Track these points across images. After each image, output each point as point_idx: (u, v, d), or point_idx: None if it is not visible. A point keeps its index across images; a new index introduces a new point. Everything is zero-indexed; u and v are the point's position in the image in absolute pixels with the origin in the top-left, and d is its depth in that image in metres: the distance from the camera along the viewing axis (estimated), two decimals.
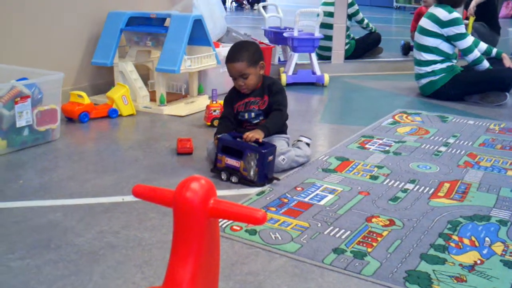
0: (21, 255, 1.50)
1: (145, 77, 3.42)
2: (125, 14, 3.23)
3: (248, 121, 2.29)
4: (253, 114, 2.27)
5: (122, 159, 2.32)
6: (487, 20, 5.15)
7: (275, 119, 2.22)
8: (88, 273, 1.41)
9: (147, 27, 3.26)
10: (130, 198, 1.89)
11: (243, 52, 2.19)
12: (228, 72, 2.24)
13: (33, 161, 2.27)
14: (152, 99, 3.22)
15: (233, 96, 2.30)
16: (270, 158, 2.05)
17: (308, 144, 2.37)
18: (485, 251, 1.57)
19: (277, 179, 2.07)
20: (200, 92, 3.42)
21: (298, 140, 2.38)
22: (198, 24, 3.17)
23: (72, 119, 2.86)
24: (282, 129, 2.33)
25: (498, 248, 1.59)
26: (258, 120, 2.27)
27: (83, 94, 2.88)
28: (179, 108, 3.15)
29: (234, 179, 2.07)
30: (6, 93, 2.31)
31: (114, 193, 1.94)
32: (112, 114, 2.96)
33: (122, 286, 1.36)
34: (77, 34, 3.24)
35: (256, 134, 2.08)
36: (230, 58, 2.21)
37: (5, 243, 1.57)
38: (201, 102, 3.27)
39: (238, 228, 1.67)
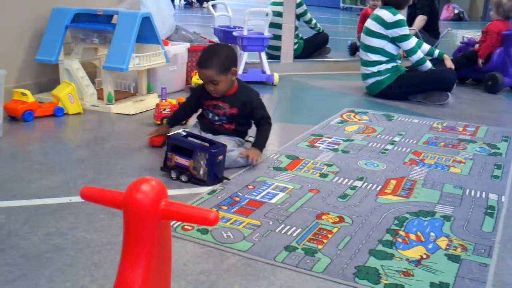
0: None
1: (92, 75, 3.34)
2: (70, 10, 3.14)
3: (211, 120, 2.32)
4: (216, 118, 2.29)
5: (68, 159, 2.25)
6: (427, 27, 5.37)
7: (266, 134, 2.31)
8: (35, 278, 1.37)
9: (93, 24, 3.18)
10: (77, 198, 1.84)
11: (213, 59, 2.16)
12: (199, 75, 2.24)
13: None
14: (100, 97, 3.15)
15: (204, 92, 2.28)
16: (220, 157, 2.05)
17: None
18: (430, 246, 1.62)
19: (227, 178, 2.07)
20: (149, 90, 3.38)
21: (247, 141, 2.39)
22: (147, 21, 3.12)
23: (15, 117, 2.75)
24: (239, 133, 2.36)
25: (442, 242, 1.65)
26: (220, 123, 2.30)
27: (27, 92, 2.78)
28: (127, 107, 3.10)
29: (184, 178, 2.05)
30: None
31: (61, 194, 1.89)
32: (58, 112, 2.87)
33: None
34: (20, 30, 3.13)
35: (255, 156, 2.20)
36: (200, 64, 2.19)
37: None
38: (151, 101, 3.23)
39: (190, 228, 1.66)
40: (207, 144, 2.07)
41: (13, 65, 3.06)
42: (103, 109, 3.05)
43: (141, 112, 3.06)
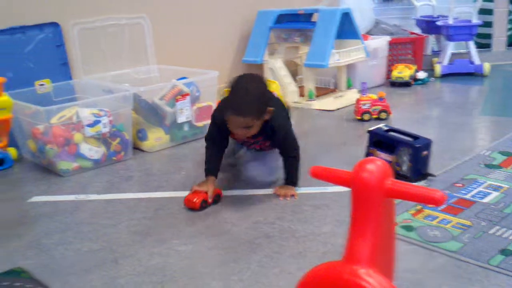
0: (186, 241, 1.60)
1: (294, 73, 3.46)
2: (273, 12, 3.31)
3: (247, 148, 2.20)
4: (252, 150, 2.18)
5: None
6: None
7: (295, 169, 1.94)
8: (247, 261, 1.47)
9: (295, 24, 3.30)
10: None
11: (250, 105, 1.75)
12: (227, 120, 1.80)
13: (193, 154, 2.42)
14: (301, 94, 3.25)
15: (227, 130, 1.87)
16: (425, 153, 1.96)
17: None
18: None
19: (433, 175, 1.97)
20: (349, 86, 3.38)
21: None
22: (346, 17, 3.13)
23: None
24: None
25: None
26: (258, 147, 2.12)
27: None
28: (328, 103, 3.14)
29: None
30: (168, 91, 2.49)
31: (267, 186, 1.99)
32: None
33: (279, 275, 1.39)
34: (230, 34, 3.39)
35: (288, 192, 1.89)
36: (235, 110, 1.75)
37: (172, 229, 1.69)
38: (350, 96, 3.23)
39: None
40: (410, 139, 1.99)
41: (224, 67, 3.33)
42: (304, 105, 3.15)
43: (341, 108, 3.08)
